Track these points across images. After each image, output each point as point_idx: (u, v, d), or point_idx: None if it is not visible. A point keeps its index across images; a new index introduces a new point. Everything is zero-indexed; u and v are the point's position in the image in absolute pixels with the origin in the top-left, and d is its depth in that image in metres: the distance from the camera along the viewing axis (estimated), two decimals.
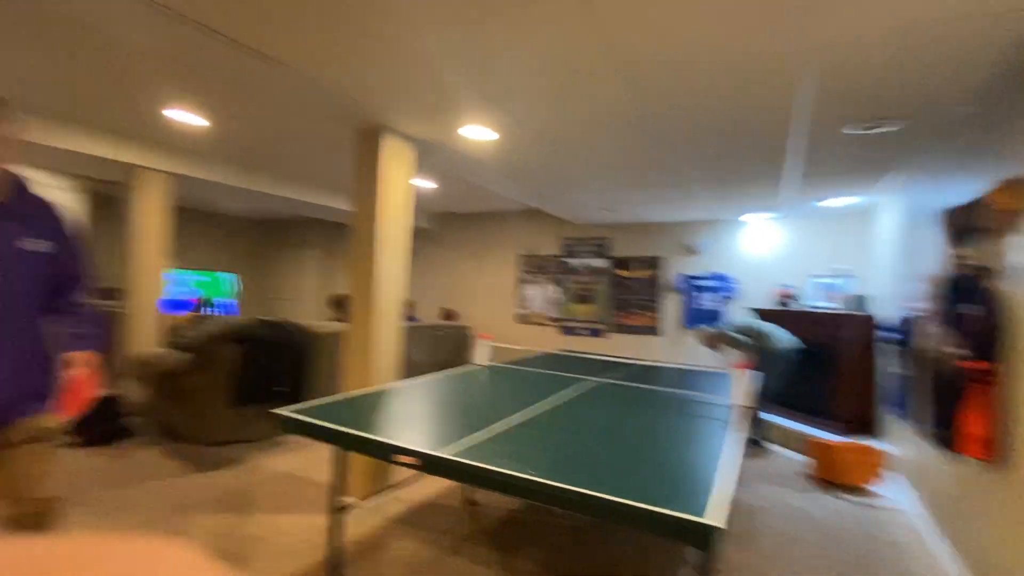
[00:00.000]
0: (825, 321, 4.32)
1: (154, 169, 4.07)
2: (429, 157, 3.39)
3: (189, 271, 7.48)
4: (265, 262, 8.79)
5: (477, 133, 2.90)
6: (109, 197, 5.63)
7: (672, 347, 5.79)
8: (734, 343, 4.10)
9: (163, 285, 4.39)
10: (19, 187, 1.39)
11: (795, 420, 4.31)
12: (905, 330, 3.13)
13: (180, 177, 4.27)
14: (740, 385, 2.26)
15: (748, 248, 5.51)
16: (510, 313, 6.74)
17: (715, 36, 1.74)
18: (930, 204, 2.76)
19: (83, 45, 2.28)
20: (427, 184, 5.02)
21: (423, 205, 6.32)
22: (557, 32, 1.75)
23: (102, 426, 3.37)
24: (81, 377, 1.45)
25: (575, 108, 2.46)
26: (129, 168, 4.01)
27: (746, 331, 4.10)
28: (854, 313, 4.22)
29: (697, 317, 5.62)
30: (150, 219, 4.22)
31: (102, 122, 3.49)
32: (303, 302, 8.23)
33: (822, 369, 4.24)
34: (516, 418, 1.83)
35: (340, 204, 5.61)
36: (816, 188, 3.91)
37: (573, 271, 6.39)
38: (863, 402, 4.02)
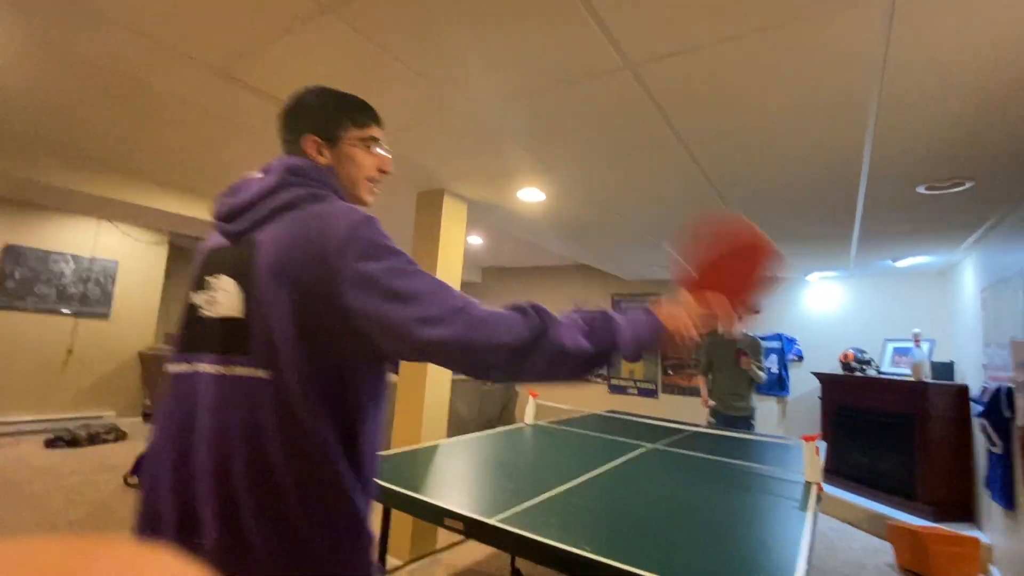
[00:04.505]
0: (905, 390, 3.95)
1: None
2: (482, 216, 3.51)
3: None
4: None
5: (530, 195, 2.99)
6: (183, 249, 6.57)
7: None
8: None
9: None
10: None
11: (867, 497, 3.89)
12: (993, 402, 2.82)
13: None
14: (811, 459, 2.08)
15: (813, 308, 5.23)
16: None
17: (775, 107, 1.75)
18: (1018, 263, 2.55)
19: (157, 111, 2.58)
20: (476, 240, 5.16)
21: (472, 259, 6.47)
22: (613, 105, 1.81)
23: None
24: None
25: (630, 173, 2.50)
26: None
27: None
28: (944, 383, 3.83)
29: None
30: None
31: (190, 185, 3.88)
32: None
33: (902, 444, 3.85)
34: (567, 484, 1.76)
35: None
36: (891, 247, 3.71)
37: None
38: (957, 484, 3.58)
